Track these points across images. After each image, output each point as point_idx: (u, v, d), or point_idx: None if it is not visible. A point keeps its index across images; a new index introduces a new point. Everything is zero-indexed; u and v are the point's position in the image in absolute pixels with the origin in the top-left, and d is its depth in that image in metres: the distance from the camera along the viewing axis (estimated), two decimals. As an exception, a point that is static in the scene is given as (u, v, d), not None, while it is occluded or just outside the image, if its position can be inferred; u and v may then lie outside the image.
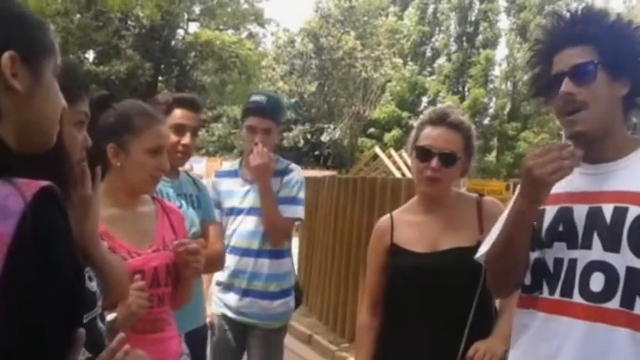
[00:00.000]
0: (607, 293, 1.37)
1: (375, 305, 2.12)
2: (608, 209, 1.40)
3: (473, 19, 27.53)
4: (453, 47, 27.65)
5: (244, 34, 24.62)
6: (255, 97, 2.89)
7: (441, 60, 28.07)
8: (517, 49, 25.63)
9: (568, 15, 1.53)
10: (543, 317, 1.48)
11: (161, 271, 1.84)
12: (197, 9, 23.95)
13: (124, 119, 1.83)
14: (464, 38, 27.45)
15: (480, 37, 26.69)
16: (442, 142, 1.97)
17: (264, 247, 2.81)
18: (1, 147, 0.86)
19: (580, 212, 1.45)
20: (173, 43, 22.52)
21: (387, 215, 2.15)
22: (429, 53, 28.36)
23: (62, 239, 0.84)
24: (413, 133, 2.09)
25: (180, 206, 2.32)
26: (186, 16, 23.33)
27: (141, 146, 1.83)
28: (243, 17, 24.42)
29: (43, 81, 0.94)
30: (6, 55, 0.87)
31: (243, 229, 2.81)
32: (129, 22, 20.96)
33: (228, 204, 2.87)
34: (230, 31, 23.96)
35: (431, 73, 27.45)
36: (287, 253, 2.93)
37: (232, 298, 2.81)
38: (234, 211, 2.85)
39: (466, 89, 26.60)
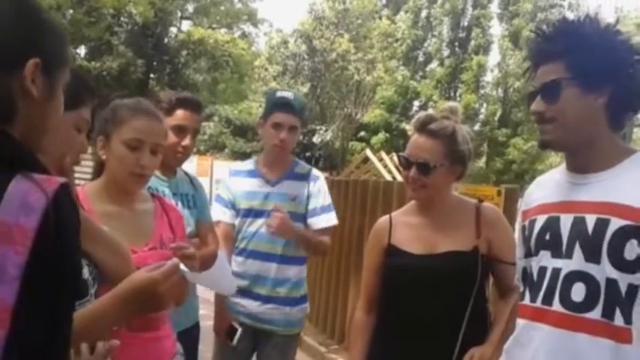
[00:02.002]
0: (588, 304, 1.38)
1: (371, 305, 2.13)
2: (591, 220, 1.41)
3: (466, 24, 27.62)
4: (446, 52, 27.72)
5: (237, 34, 24.57)
6: (281, 93, 2.83)
7: (433, 65, 28.14)
8: (509, 56, 25.74)
9: (543, 31, 1.53)
10: (523, 324, 1.51)
11: (157, 269, 1.82)
12: (190, 7, 23.87)
13: (112, 111, 1.83)
14: (456, 44, 27.53)
15: (473, 42, 26.76)
16: (418, 151, 1.99)
17: (287, 253, 2.74)
18: (16, 143, 0.89)
19: (566, 222, 1.47)
20: (166, 40, 22.40)
21: (387, 216, 2.17)
22: (421, 58, 28.40)
23: (75, 234, 0.89)
24: None
25: (176, 205, 2.30)
26: (179, 14, 23.22)
27: (119, 138, 1.79)
28: (237, 16, 24.37)
29: (56, 91, 0.97)
30: (31, 61, 0.90)
31: (264, 232, 2.70)
32: (121, 19, 20.81)
33: (245, 205, 2.78)
34: (223, 30, 23.90)
35: (423, 78, 27.49)
36: (305, 258, 2.89)
37: (251, 304, 2.73)
38: (253, 213, 2.76)
39: (458, 95, 26.67)
